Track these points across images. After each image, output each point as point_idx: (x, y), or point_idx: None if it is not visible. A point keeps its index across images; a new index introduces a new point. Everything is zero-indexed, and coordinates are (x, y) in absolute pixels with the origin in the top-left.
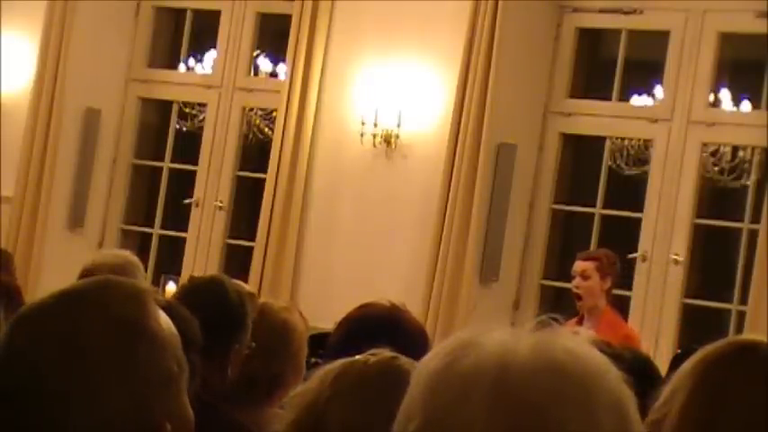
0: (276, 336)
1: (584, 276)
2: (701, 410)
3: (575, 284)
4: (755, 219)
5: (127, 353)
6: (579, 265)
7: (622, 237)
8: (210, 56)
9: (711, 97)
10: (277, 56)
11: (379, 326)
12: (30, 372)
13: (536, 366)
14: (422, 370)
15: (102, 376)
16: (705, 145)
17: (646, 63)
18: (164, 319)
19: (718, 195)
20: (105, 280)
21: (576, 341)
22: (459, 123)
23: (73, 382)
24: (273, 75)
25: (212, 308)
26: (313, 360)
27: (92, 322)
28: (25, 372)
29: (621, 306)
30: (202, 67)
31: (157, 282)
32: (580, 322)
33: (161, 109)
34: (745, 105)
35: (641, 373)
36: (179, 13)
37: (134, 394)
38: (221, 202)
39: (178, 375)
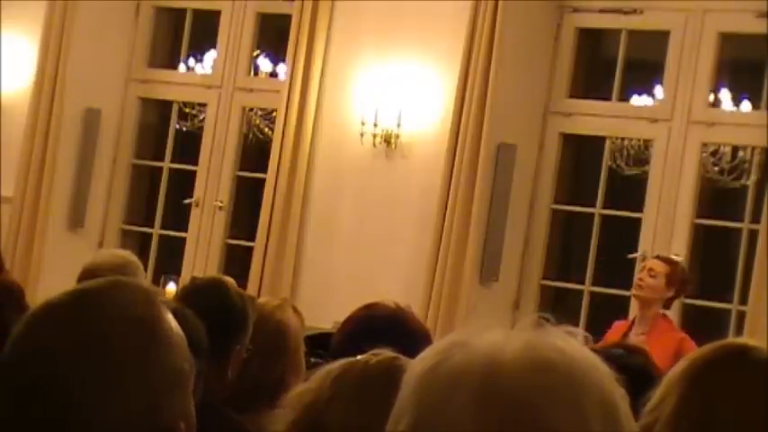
0: (272, 338)
1: (652, 274)
2: (693, 415)
3: (639, 276)
4: (755, 219)
5: (143, 352)
6: (652, 263)
7: (622, 237)
8: (210, 56)
9: (711, 97)
10: (277, 56)
11: (384, 327)
12: (47, 370)
13: (524, 364)
14: (412, 370)
15: (119, 375)
16: (705, 145)
17: (646, 63)
18: (172, 319)
19: (718, 195)
20: (117, 281)
21: (567, 340)
22: (459, 123)
23: (90, 380)
24: (273, 75)
25: (214, 309)
26: (313, 360)
27: (109, 321)
28: (42, 370)
29: (622, 306)
30: (202, 67)
31: (157, 282)
32: (630, 327)
33: (161, 109)
34: (745, 105)
35: (640, 374)
36: (179, 13)
37: (150, 393)
38: (221, 202)
39: (189, 374)
